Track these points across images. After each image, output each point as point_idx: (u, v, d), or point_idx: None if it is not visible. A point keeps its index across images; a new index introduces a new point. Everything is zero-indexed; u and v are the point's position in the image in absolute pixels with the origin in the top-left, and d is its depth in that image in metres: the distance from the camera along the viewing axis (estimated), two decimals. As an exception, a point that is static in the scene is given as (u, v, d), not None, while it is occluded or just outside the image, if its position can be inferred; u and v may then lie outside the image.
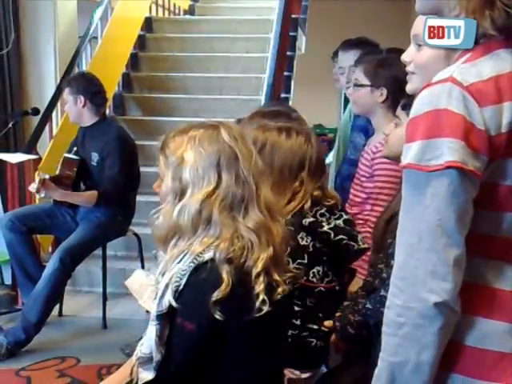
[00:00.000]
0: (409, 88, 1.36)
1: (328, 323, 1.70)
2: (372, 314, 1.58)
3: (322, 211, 1.66)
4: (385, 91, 2.16)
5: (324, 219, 1.66)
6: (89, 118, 3.37)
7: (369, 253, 2.04)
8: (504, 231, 0.97)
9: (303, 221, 1.63)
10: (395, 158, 1.82)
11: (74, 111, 3.36)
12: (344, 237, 1.66)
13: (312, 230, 1.63)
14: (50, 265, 3.13)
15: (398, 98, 2.07)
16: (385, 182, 2.09)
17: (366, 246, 1.72)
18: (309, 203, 1.64)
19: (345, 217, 1.69)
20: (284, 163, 1.62)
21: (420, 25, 1.35)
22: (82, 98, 3.32)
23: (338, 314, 1.71)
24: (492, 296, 0.98)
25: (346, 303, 1.72)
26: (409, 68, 1.34)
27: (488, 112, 0.92)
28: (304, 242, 1.64)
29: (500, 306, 0.98)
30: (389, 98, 2.16)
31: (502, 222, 0.97)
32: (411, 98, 1.75)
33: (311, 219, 1.64)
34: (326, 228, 1.64)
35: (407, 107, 1.77)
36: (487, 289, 0.99)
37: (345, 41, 2.82)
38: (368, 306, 1.61)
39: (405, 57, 1.35)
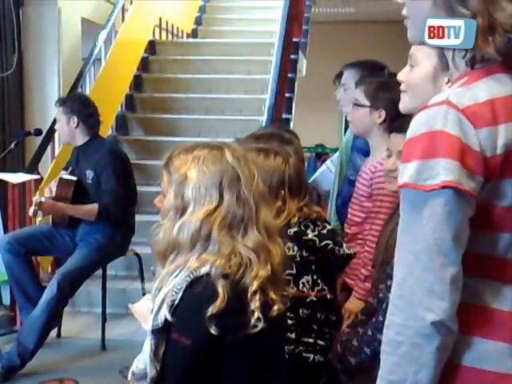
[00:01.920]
0: (400, 107, 1.41)
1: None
2: (369, 340, 1.58)
3: (306, 223, 1.72)
4: (383, 113, 2.17)
5: (308, 229, 1.70)
6: (81, 138, 3.39)
7: (365, 272, 2.04)
8: (501, 251, 0.97)
9: (288, 231, 1.67)
10: None
11: (66, 131, 3.38)
12: (329, 242, 1.71)
13: (297, 239, 1.68)
14: (49, 291, 3.11)
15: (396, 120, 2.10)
16: (383, 201, 2.09)
17: (351, 251, 1.76)
18: (295, 219, 1.68)
19: (328, 227, 1.74)
20: (263, 182, 1.65)
21: (415, 47, 1.40)
22: (76, 118, 3.34)
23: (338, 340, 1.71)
24: (490, 316, 0.98)
25: (346, 330, 1.72)
26: (402, 87, 1.39)
27: (483, 134, 0.93)
28: (291, 252, 1.67)
29: (498, 327, 0.98)
30: (387, 120, 2.17)
31: (499, 242, 0.97)
32: (402, 121, 1.79)
33: (295, 229, 1.69)
34: (310, 235, 1.69)
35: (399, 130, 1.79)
36: (485, 309, 0.98)
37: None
38: (369, 333, 1.61)
39: (400, 76, 1.42)
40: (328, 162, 3.27)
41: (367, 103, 2.21)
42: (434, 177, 0.92)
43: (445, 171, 0.91)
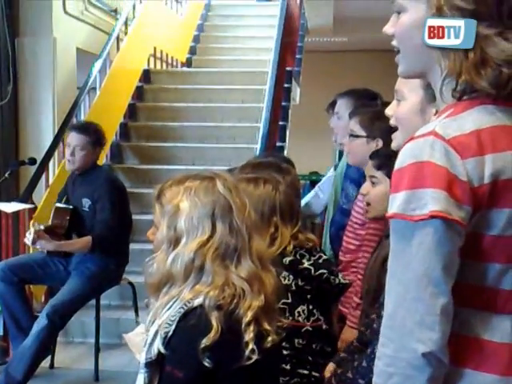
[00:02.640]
0: (393, 145, 1.42)
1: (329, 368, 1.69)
2: (364, 372, 1.57)
3: (302, 252, 1.72)
4: (380, 142, 2.19)
5: (304, 258, 1.70)
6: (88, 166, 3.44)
7: (357, 300, 2.04)
8: (491, 282, 0.97)
9: (283, 260, 1.67)
10: (380, 218, 1.87)
11: (89, 160, 3.40)
12: (324, 271, 1.71)
13: (293, 268, 1.68)
14: (40, 322, 3.09)
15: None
16: (376, 229, 2.09)
17: (346, 281, 1.76)
18: (291, 246, 1.68)
19: (324, 257, 1.74)
20: (256, 211, 1.67)
21: (401, 81, 1.42)
22: (99, 149, 3.43)
23: (332, 367, 1.69)
24: (481, 347, 0.98)
25: (342, 355, 1.71)
26: (391, 121, 1.41)
27: (470, 164, 0.94)
28: (286, 281, 1.68)
29: (489, 358, 0.98)
30: None
31: (489, 272, 0.97)
32: (385, 158, 1.84)
33: (291, 258, 1.69)
34: (306, 264, 1.70)
35: (383, 167, 1.83)
36: (476, 340, 0.98)
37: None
38: (364, 364, 1.60)
39: (388, 111, 1.45)
40: (316, 188, 3.30)
41: (363, 133, 2.23)
42: (422, 207, 0.92)
43: (433, 201, 0.92)
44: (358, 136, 2.24)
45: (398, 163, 0.97)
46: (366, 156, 2.24)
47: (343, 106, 2.64)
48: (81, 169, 3.43)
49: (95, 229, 3.28)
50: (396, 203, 0.95)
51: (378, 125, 2.18)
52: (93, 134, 3.41)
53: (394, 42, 1.07)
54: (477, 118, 0.97)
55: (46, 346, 3.20)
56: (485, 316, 0.98)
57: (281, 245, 1.70)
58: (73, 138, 3.40)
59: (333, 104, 2.93)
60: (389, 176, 1.79)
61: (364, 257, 2.11)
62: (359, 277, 2.08)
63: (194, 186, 1.37)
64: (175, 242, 1.35)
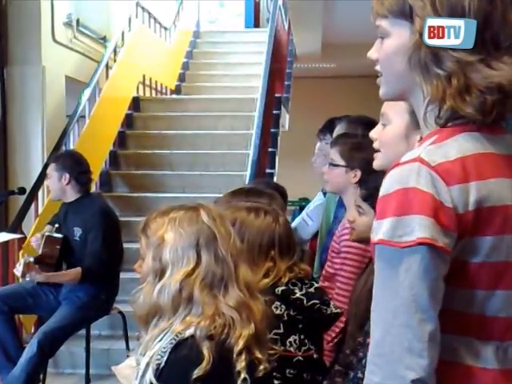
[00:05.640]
0: (375, 164, 1.43)
1: None
2: None
3: (294, 280, 1.72)
4: (359, 173, 2.21)
5: (296, 288, 1.70)
6: (71, 195, 3.40)
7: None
8: (475, 308, 0.98)
9: (276, 289, 1.66)
10: (363, 241, 1.88)
11: (57, 187, 3.39)
12: (316, 301, 1.70)
13: (285, 298, 1.67)
14: (29, 350, 3.05)
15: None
16: (346, 258, 2.11)
17: (338, 310, 1.76)
18: (286, 279, 1.68)
19: (315, 285, 1.74)
20: (254, 241, 1.67)
21: (387, 105, 1.43)
22: (67, 175, 3.35)
23: None
24: (467, 373, 0.98)
25: (325, 382, 1.70)
26: (375, 144, 1.42)
27: (455, 191, 0.94)
28: (278, 311, 1.66)
29: None
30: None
31: (473, 299, 0.97)
32: (373, 189, 1.84)
33: (283, 287, 1.69)
34: (298, 294, 1.68)
35: (369, 199, 1.84)
36: (461, 366, 0.98)
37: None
38: None
39: (372, 134, 1.46)
40: (304, 215, 3.30)
41: (343, 163, 2.26)
42: (410, 233, 0.92)
43: (420, 227, 0.92)
44: (337, 165, 2.27)
45: (384, 189, 0.97)
46: (344, 185, 2.26)
47: (341, 131, 2.65)
48: (56, 197, 3.46)
49: (85, 260, 3.26)
50: (382, 229, 0.94)
51: (358, 155, 2.20)
52: (60, 160, 3.42)
53: (378, 67, 1.07)
54: (462, 145, 0.98)
55: (35, 375, 3.16)
56: (470, 342, 0.98)
57: (275, 277, 1.69)
58: None
59: (324, 129, 2.96)
60: (374, 208, 1.79)
61: (338, 287, 2.12)
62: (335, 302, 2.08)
63: (179, 216, 1.38)
64: (161, 273, 1.35)
